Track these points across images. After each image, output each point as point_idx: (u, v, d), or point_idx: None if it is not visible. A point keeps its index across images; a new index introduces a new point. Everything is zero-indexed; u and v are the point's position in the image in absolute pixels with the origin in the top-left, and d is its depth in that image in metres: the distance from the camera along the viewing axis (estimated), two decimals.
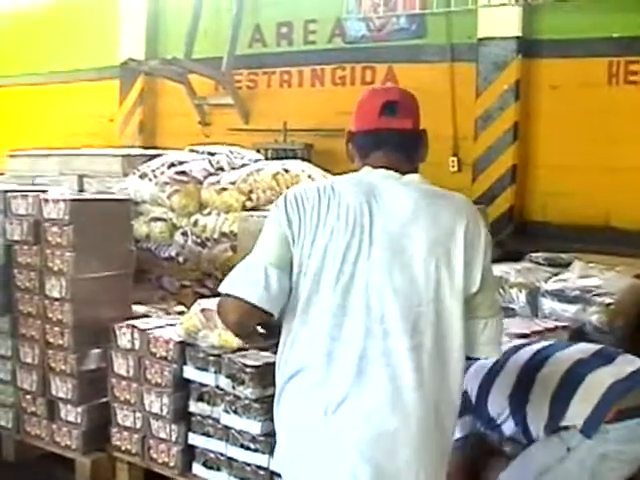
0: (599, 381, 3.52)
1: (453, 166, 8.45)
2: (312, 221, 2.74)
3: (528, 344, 3.93)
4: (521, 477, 3.64)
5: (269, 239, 2.80)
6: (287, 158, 7.84)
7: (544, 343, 3.90)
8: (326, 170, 7.18)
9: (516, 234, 7.98)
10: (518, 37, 8.02)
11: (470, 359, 2.95)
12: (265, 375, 4.48)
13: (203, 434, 4.83)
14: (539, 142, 8.09)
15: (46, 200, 5.33)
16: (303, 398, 2.77)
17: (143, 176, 6.78)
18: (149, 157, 7.23)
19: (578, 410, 3.49)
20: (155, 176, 6.71)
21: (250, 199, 6.39)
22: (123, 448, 5.19)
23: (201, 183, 6.66)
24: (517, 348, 3.87)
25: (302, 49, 9.79)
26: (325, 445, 2.72)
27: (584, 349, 3.79)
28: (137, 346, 5.07)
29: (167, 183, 6.62)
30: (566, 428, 3.52)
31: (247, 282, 2.76)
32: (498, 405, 3.73)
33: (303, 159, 8.05)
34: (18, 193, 5.57)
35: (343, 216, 2.72)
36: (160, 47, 11.17)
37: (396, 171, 2.85)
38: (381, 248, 2.70)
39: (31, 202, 5.40)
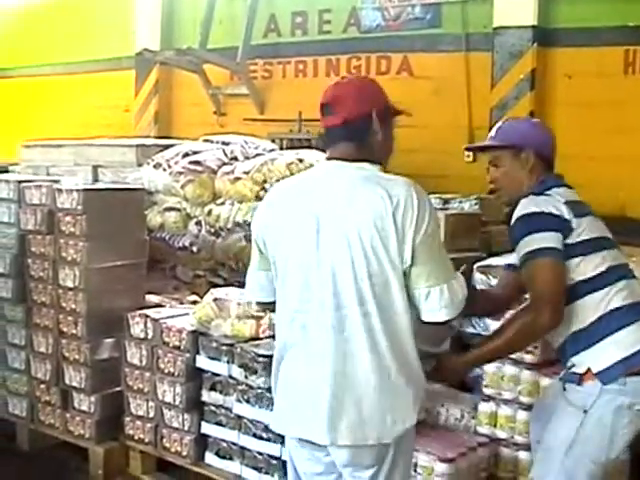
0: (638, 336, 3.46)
1: (468, 156, 8.41)
2: (275, 224, 3.21)
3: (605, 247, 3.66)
4: (550, 461, 3.56)
5: (253, 249, 3.38)
6: (302, 148, 7.82)
7: (619, 260, 3.66)
8: None
9: None
10: (534, 26, 7.97)
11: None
12: None
13: (216, 423, 4.85)
14: (554, 131, 8.01)
15: (60, 190, 5.34)
16: (293, 367, 3.20)
17: (157, 166, 6.77)
18: (163, 147, 7.22)
19: (603, 355, 3.43)
20: (169, 166, 6.70)
21: (264, 189, 6.36)
22: (136, 437, 5.20)
23: (215, 173, 6.64)
24: (608, 245, 3.67)
25: (317, 39, 9.78)
26: (305, 393, 3.15)
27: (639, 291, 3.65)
28: (150, 335, 5.08)
29: (181, 173, 6.61)
30: (575, 375, 3.47)
31: (249, 288, 3.46)
32: (576, 270, 3.53)
33: (318, 149, 8.03)
34: (32, 183, 5.58)
35: (298, 212, 3.14)
36: (175, 37, 11.17)
37: (350, 160, 3.15)
38: (327, 233, 3.06)
39: (45, 192, 5.42)
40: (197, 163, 6.69)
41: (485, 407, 4.45)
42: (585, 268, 3.51)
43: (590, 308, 3.50)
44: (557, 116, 8.03)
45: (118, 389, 5.30)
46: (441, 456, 4.11)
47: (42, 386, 5.52)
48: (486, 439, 4.39)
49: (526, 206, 3.51)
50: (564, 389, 3.55)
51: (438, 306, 3.08)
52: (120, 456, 5.33)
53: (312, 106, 10.07)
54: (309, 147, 8.16)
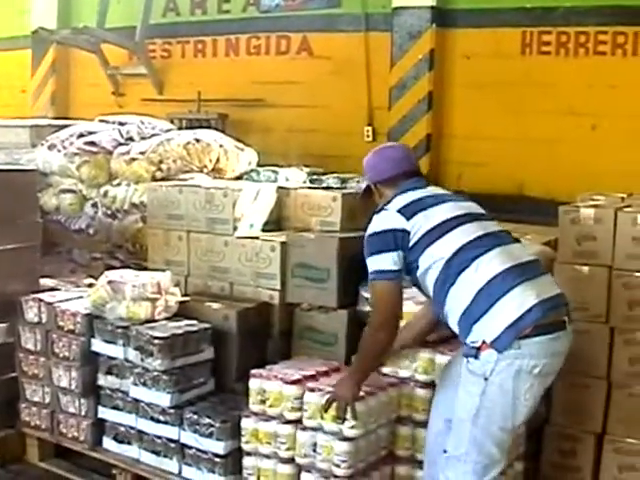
0: (524, 296, 3.58)
1: (368, 135, 8.44)
2: None
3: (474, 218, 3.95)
4: (461, 432, 3.69)
5: None
6: (201, 128, 7.76)
7: (482, 230, 3.85)
8: (239, 140, 7.12)
9: None
10: (432, 7, 8.00)
11: None
12: (173, 346, 4.45)
13: (113, 408, 4.80)
14: (453, 112, 8.12)
15: None
16: None
17: (52, 147, 6.66)
18: (58, 127, 7.10)
19: (492, 324, 3.56)
20: (64, 147, 6.60)
21: (160, 169, 6.33)
22: (32, 424, 5.13)
23: (111, 153, 6.56)
24: (463, 220, 3.88)
25: (216, 18, 9.67)
26: None
27: (517, 254, 3.80)
28: (44, 320, 5.00)
29: (76, 154, 6.51)
30: (473, 349, 3.61)
31: None
32: (434, 256, 3.78)
33: (217, 129, 7.99)
34: None
35: None
36: (72, 16, 10.95)
37: None
38: None
39: None
40: (92, 144, 6.60)
41: None
42: (441, 253, 3.76)
43: (466, 286, 3.68)
44: (455, 96, 8.10)
45: (13, 375, 5.21)
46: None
47: None
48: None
49: (370, 227, 3.93)
50: (467, 362, 3.66)
51: None
52: (17, 443, 5.25)
53: (211, 86, 10.00)
54: (208, 127, 8.10)
